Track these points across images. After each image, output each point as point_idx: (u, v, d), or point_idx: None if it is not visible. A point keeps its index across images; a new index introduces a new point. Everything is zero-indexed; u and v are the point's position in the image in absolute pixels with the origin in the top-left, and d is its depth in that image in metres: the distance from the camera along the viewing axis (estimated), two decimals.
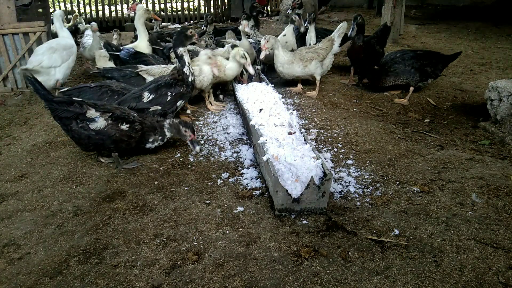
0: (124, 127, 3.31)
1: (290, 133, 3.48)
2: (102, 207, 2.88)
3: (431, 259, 2.30)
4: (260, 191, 3.04)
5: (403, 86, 5.18)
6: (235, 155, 3.65)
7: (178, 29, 9.53)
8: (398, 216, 2.71)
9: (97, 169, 3.44)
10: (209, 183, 3.17)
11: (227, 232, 2.58)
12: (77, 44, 6.55)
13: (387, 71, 5.11)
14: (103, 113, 3.26)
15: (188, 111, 4.65)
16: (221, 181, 3.19)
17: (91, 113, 3.22)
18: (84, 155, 3.69)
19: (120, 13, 12.75)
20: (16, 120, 4.75)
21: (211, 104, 4.88)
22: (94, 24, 6.17)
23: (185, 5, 14.55)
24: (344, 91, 5.41)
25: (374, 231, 2.56)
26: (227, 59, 4.81)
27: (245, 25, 5.40)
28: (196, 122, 4.40)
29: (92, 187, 3.15)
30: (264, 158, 2.93)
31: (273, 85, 4.81)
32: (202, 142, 3.91)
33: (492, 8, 11.59)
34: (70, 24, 8.83)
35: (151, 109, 3.83)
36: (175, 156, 3.63)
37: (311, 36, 5.96)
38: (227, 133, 4.11)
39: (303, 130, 3.59)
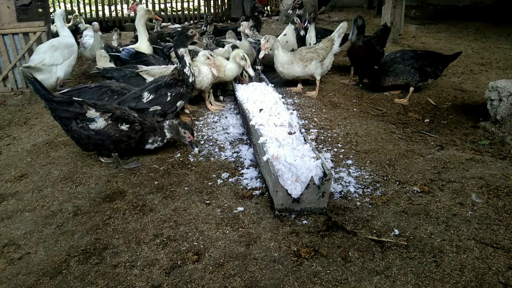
0: (124, 127, 3.31)
1: (290, 133, 3.48)
2: (102, 207, 2.89)
3: (431, 259, 2.30)
4: (260, 191, 3.04)
5: (403, 86, 5.18)
6: (235, 155, 3.65)
7: (178, 29, 9.51)
8: (398, 216, 2.71)
9: (97, 169, 3.44)
10: (209, 183, 3.17)
11: (227, 232, 2.58)
12: (77, 43, 6.55)
13: (387, 71, 5.11)
14: (103, 113, 3.26)
15: (187, 111, 4.64)
16: (221, 181, 3.19)
17: (91, 113, 3.22)
18: (84, 155, 3.69)
19: (120, 13, 12.75)
20: (16, 120, 4.75)
21: (211, 104, 4.88)
22: (95, 23, 6.17)
23: (185, 5, 14.56)
24: (344, 91, 5.41)
25: (374, 231, 2.56)
26: (227, 59, 4.82)
27: (245, 26, 5.40)
28: (196, 122, 4.40)
29: (92, 187, 3.15)
30: (264, 158, 2.93)
31: (273, 85, 4.81)
32: (202, 142, 3.91)
33: (492, 8, 11.59)
34: (70, 24, 8.82)
35: (150, 109, 3.83)
36: (175, 156, 3.63)
37: (311, 36, 5.96)
38: (227, 133, 4.11)
39: (303, 130, 3.59)
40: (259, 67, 5.45)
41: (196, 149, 3.44)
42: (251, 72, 4.50)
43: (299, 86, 5.41)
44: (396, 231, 2.54)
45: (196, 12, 14.07)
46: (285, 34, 6.06)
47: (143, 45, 5.52)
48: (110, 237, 2.55)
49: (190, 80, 4.01)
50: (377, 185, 3.11)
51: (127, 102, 3.76)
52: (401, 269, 2.23)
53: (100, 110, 3.26)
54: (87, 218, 2.76)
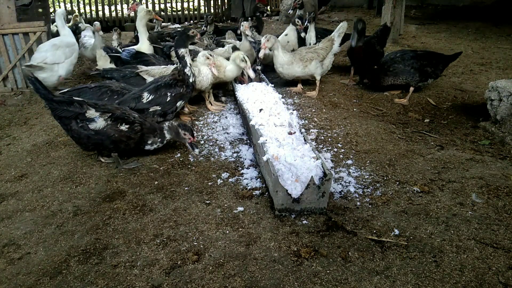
0: (123, 127, 3.31)
1: (290, 133, 3.48)
2: (102, 207, 2.89)
3: (431, 259, 2.30)
4: (260, 191, 3.04)
5: (403, 86, 5.18)
6: (235, 155, 3.65)
7: (178, 29, 9.51)
8: (398, 216, 2.71)
9: (97, 169, 3.44)
10: (209, 183, 3.17)
11: (227, 232, 2.58)
12: (78, 43, 6.54)
13: (386, 71, 5.11)
14: (103, 113, 3.26)
15: (186, 110, 4.64)
16: (221, 181, 3.19)
17: (91, 113, 3.22)
18: (84, 155, 3.69)
19: (120, 13, 12.75)
20: (16, 120, 4.75)
21: (211, 104, 4.88)
22: (97, 23, 6.17)
23: (185, 5, 14.55)
24: (344, 91, 5.41)
25: (374, 231, 2.56)
26: (227, 59, 4.82)
27: (246, 27, 5.39)
28: (196, 122, 4.40)
29: (92, 187, 3.15)
30: (264, 158, 2.93)
31: (273, 85, 4.81)
32: (202, 142, 3.91)
33: (492, 8, 11.58)
34: (70, 24, 8.82)
35: (150, 110, 3.84)
36: (175, 156, 3.63)
37: (310, 36, 5.96)
38: (227, 133, 4.11)
39: (303, 130, 3.59)
40: (259, 67, 5.44)
41: (197, 150, 3.44)
42: (251, 74, 4.51)
43: (299, 86, 5.41)
44: (396, 231, 2.54)
45: (196, 12, 14.07)
46: (286, 34, 6.06)
47: (144, 46, 5.52)
48: (110, 237, 2.55)
49: (191, 80, 4.01)
50: (377, 185, 3.11)
51: (127, 103, 3.76)
52: (401, 269, 2.23)
53: (100, 110, 3.26)
54: (87, 218, 2.76)
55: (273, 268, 2.25)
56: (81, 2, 13.43)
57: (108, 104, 3.45)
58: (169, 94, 3.89)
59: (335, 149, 3.72)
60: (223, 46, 5.83)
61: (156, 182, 3.19)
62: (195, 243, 2.48)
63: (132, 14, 9.74)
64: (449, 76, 6.05)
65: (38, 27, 5.55)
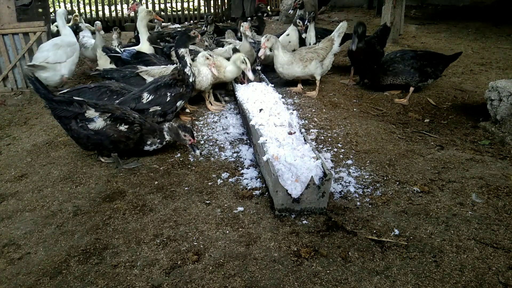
0: (123, 128, 3.31)
1: (290, 133, 3.48)
2: (102, 207, 2.89)
3: (431, 259, 2.30)
4: (260, 191, 3.04)
5: (403, 86, 5.18)
6: (235, 155, 3.65)
7: (178, 29, 9.49)
8: (398, 216, 2.71)
9: (97, 169, 3.44)
10: (209, 183, 3.17)
11: (227, 232, 2.58)
12: None
13: (386, 70, 5.11)
14: (102, 113, 3.26)
15: (187, 110, 4.64)
16: (221, 181, 3.19)
17: (90, 113, 3.22)
18: (84, 155, 3.69)
19: (120, 13, 12.75)
20: (16, 120, 4.75)
21: (211, 104, 4.88)
22: (98, 23, 6.18)
23: (185, 5, 14.55)
24: (344, 91, 5.40)
25: (374, 231, 2.56)
26: (228, 59, 4.81)
27: (246, 27, 5.38)
28: (196, 122, 4.40)
29: (92, 187, 3.15)
30: (264, 158, 2.93)
31: (273, 85, 4.81)
32: (202, 142, 3.91)
33: (492, 8, 11.58)
34: (70, 24, 8.82)
35: (150, 110, 3.84)
36: (175, 156, 3.63)
37: (310, 36, 5.96)
38: (227, 133, 4.11)
39: (303, 130, 3.59)
40: (259, 67, 5.44)
41: (197, 152, 3.43)
42: (251, 76, 4.52)
43: (299, 86, 5.41)
44: (396, 231, 2.54)
45: (196, 12, 14.07)
46: (288, 34, 6.06)
47: (145, 46, 5.53)
48: (110, 237, 2.55)
49: (191, 80, 4.01)
50: (377, 185, 3.11)
51: (126, 103, 3.76)
52: (401, 269, 2.23)
53: (100, 110, 3.26)
54: (87, 218, 2.76)
55: (273, 268, 2.25)
56: (81, 2, 13.43)
57: (108, 104, 3.45)
58: (169, 94, 3.89)
59: (335, 149, 3.72)
60: (222, 46, 5.82)
61: (156, 182, 3.19)
62: (195, 243, 2.48)
63: (132, 14, 9.74)
64: (449, 76, 6.05)
65: (38, 27, 5.55)
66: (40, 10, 6.55)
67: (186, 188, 3.11)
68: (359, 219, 2.68)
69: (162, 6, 13.31)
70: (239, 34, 6.52)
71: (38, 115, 4.87)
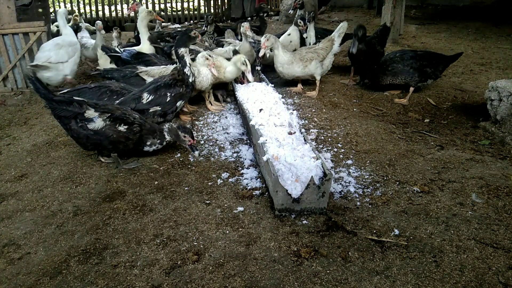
0: (122, 128, 3.30)
1: (290, 133, 3.48)
2: (102, 207, 2.89)
3: (431, 259, 2.30)
4: (260, 191, 3.04)
5: (403, 86, 5.18)
6: (235, 155, 3.65)
7: (178, 29, 9.49)
8: (398, 216, 2.71)
9: (97, 169, 3.44)
10: (209, 183, 3.17)
11: (227, 232, 2.58)
12: None
13: (385, 70, 5.11)
14: (102, 113, 3.26)
15: (185, 109, 4.64)
16: (221, 181, 3.19)
17: (90, 113, 3.22)
18: (84, 155, 3.69)
19: (120, 13, 12.76)
20: (16, 120, 4.75)
21: (211, 104, 4.88)
22: (99, 22, 6.18)
23: (185, 5, 14.56)
24: (344, 91, 5.41)
25: (374, 231, 2.56)
26: (228, 60, 4.81)
27: (246, 27, 5.38)
28: (196, 122, 4.40)
29: (92, 187, 3.15)
30: (264, 158, 2.93)
31: (273, 85, 4.81)
32: (202, 142, 3.91)
33: (492, 8, 11.58)
34: (70, 24, 8.83)
35: (150, 110, 3.83)
36: (175, 156, 3.63)
37: (310, 35, 5.96)
38: (227, 133, 4.11)
39: (303, 130, 3.59)
40: (258, 67, 5.44)
41: (197, 153, 3.43)
42: (251, 78, 4.54)
43: (299, 86, 5.41)
44: (396, 231, 2.54)
45: (196, 12, 14.08)
46: (289, 34, 6.05)
47: (146, 46, 5.52)
48: (110, 237, 2.55)
49: (190, 80, 4.01)
50: (377, 185, 3.11)
51: (126, 103, 3.76)
52: (401, 269, 2.23)
53: (100, 110, 3.26)
54: (87, 218, 2.76)
55: (273, 268, 2.25)
56: (81, 2, 13.44)
57: (109, 104, 3.45)
58: (169, 94, 3.89)
59: (335, 149, 3.72)
60: (222, 46, 5.82)
61: (156, 182, 3.19)
62: (195, 243, 2.48)
63: (132, 14, 9.74)
64: (449, 76, 6.05)
65: (38, 27, 5.55)
66: (40, 10, 6.55)
67: (186, 188, 3.11)
68: (359, 219, 2.68)
69: (162, 6, 13.31)
70: (239, 36, 6.52)
71: (38, 115, 4.87)
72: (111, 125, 3.28)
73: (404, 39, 8.53)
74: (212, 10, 13.84)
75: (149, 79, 4.47)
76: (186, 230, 2.60)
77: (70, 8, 12.91)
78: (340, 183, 3.13)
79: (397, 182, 3.14)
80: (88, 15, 12.61)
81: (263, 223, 2.65)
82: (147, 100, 3.82)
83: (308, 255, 2.33)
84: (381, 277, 2.18)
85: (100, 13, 12.57)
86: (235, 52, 5.10)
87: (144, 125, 3.42)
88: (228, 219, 2.70)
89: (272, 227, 2.61)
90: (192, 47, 5.34)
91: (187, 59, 3.98)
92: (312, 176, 2.65)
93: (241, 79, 5.07)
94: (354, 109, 4.78)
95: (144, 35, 5.57)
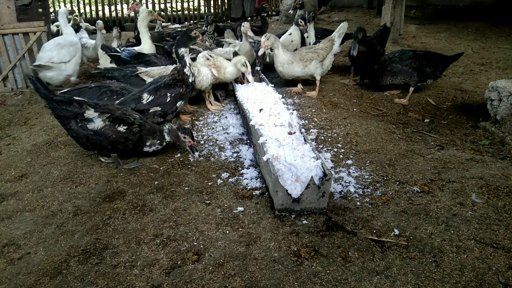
0: (121, 128, 3.30)
1: (290, 133, 3.48)
2: (102, 207, 2.89)
3: (431, 259, 2.30)
4: (260, 191, 3.04)
5: (403, 86, 5.18)
6: (235, 155, 3.65)
7: (179, 29, 9.49)
8: (398, 216, 2.71)
9: (97, 169, 3.44)
10: (209, 183, 3.17)
11: (227, 232, 2.58)
12: None
13: (384, 70, 5.10)
14: (102, 113, 3.26)
15: (186, 110, 4.64)
16: (221, 181, 3.19)
17: (89, 113, 3.22)
18: (84, 155, 3.69)
19: (120, 13, 12.76)
20: (16, 120, 4.75)
21: (211, 104, 4.88)
22: (100, 22, 6.19)
23: (185, 5, 14.56)
24: (344, 91, 5.41)
25: (374, 231, 2.56)
26: (228, 60, 4.81)
27: (247, 27, 5.38)
28: (196, 122, 4.40)
29: (92, 187, 3.15)
30: (264, 158, 2.93)
31: (273, 85, 4.81)
32: (202, 142, 3.91)
33: (492, 8, 11.58)
34: (70, 24, 8.83)
35: (151, 111, 3.83)
36: (175, 156, 3.63)
37: (310, 35, 5.96)
38: (227, 133, 4.11)
39: (303, 130, 3.59)
40: (258, 67, 5.44)
41: (197, 154, 3.42)
42: (251, 79, 4.55)
43: (299, 86, 5.41)
44: (396, 231, 2.54)
45: (196, 12, 14.08)
46: (290, 34, 6.05)
47: (146, 46, 5.52)
48: (110, 237, 2.55)
49: (190, 80, 4.01)
50: (377, 185, 3.11)
51: (126, 104, 3.76)
52: (401, 269, 2.23)
53: (99, 110, 3.26)
54: (87, 218, 2.76)
55: (273, 268, 2.25)
56: (81, 2, 13.44)
57: (109, 104, 3.45)
58: (169, 94, 3.89)
59: (335, 149, 3.72)
60: (222, 46, 5.82)
61: (156, 182, 3.19)
62: (195, 243, 2.48)
63: (132, 14, 9.74)
64: (449, 76, 6.05)
65: (38, 27, 5.55)
66: (40, 10, 6.55)
67: (186, 188, 3.11)
68: (359, 219, 2.68)
69: (162, 6, 13.32)
70: (238, 35, 6.51)
71: (38, 115, 4.87)
72: (111, 126, 3.28)
73: (404, 39, 8.52)
74: (212, 10, 13.84)
75: (149, 80, 4.47)
76: (186, 230, 2.60)
77: (70, 8, 12.91)
78: (340, 183, 3.13)
79: (397, 182, 3.14)
80: (88, 15, 12.61)
81: (263, 223, 2.65)
82: (147, 101, 3.82)
83: (308, 255, 2.33)
84: (381, 277, 2.18)
85: (100, 13, 12.57)
86: (235, 54, 5.11)
87: (144, 126, 3.41)
88: (228, 219, 2.70)
89: (272, 227, 2.61)
90: (192, 46, 5.34)
91: (187, 59, 3.98)
92: (312, 176, 2.65)
93: (241, 79, 5.07)
94: (354, 109, 4.78)
95: (144, 34, 5.57)
